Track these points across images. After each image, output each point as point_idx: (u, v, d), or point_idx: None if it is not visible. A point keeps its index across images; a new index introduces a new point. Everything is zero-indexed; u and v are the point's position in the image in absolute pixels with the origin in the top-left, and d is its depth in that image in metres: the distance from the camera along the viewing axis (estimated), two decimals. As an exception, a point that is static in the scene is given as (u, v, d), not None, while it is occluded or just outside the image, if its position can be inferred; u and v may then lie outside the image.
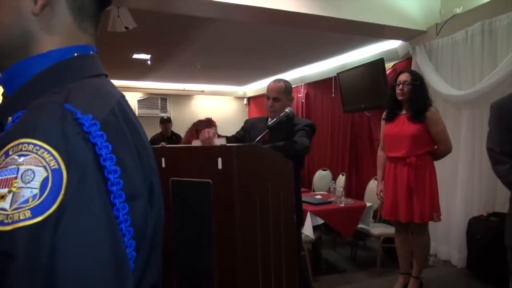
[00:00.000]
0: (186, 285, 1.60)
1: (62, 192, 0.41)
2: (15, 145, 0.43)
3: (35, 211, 0.40)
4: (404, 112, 2.91)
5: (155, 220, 0.57)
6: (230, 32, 4.32)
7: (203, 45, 4.85)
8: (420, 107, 2.82)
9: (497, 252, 2.87)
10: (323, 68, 6.01)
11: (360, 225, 3.86)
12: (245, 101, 8.83)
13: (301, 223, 2.67)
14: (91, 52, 0.61)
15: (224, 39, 4.58)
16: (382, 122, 3.09)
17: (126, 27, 3.20)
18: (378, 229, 3.85)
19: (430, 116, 2.83)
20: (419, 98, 2.84)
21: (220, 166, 1.60)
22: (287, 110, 2.34)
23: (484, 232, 3.19)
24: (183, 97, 8.25)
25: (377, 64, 4.64)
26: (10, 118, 0.51)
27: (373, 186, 4.57)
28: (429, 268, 3.62)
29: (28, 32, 0.56)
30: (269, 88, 2.50)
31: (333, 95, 5.87)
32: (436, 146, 2.91)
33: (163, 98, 8.03)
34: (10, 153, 0.42)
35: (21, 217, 0.39)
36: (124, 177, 0.49)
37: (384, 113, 3.06)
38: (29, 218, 0.39)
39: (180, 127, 6.09)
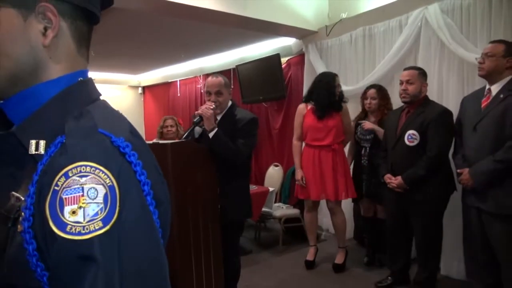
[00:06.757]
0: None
1: (118, 203, 0.51)
2: (73, 168, 0.51)
3: (104, 221, 0.50)
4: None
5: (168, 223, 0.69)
6: (126, 20, 4.14)
7: (97, 33, 4.55)
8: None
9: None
10: (222, 60, 6.16)
11: (264, 209, 4.18)
12: (139, 90, 8.53)
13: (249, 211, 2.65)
14: (89, 76, 0.68)
15: (120, 27, 4.38)
16: (300, 115, 3.45)
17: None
18: (280, 211, 4.24)
19: (345, 109, 3.42)
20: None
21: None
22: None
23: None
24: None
25: (273, 59, 4.99)
26: (33, 141, 0.57)
27: (272, 172, 4.95)
28: (321, 242, 4.13)
29: (38, 61, 0.61)
30: (209, 84, 2.50)
31: (232, 86, 6.07)
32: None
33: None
34: (70, 174, 0.51)
35: (96, 227, 0.49)
36: (153, 187, 0.59)
37: (313, 108, 3.37)
38: (102, 228, 0.49)
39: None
